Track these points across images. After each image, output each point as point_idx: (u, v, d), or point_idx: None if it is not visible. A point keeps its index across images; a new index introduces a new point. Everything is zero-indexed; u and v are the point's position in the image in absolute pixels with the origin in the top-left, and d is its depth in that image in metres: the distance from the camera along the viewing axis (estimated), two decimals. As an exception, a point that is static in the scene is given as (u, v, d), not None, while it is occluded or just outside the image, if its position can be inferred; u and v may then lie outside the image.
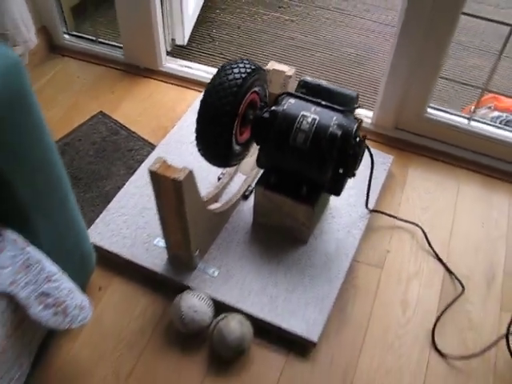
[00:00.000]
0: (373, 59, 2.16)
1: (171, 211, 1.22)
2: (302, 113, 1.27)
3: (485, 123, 1.73)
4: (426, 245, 1.53)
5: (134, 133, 1.76)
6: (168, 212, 1.23)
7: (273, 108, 1.30)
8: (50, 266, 1.08)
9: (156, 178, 1.15)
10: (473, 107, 1.76)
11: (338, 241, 1.47)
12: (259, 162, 1.38)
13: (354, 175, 1.33)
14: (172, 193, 1.16)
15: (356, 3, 2.50)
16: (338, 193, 1.35)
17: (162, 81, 1.98)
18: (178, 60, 2.04)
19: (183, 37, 2.08)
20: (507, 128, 1.72)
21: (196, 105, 1.29)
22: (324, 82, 1.37)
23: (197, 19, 2.23)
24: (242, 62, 1.28)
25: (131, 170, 1.63)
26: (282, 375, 1.28)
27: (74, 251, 1.22)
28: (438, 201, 1.65)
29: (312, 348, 1.31)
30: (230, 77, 1.25)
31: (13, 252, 1.02)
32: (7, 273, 1.00)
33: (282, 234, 1.46)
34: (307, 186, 1.34)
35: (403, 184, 1.68)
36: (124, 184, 1.58)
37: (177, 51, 2.10)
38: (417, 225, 1.56)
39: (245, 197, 1.54)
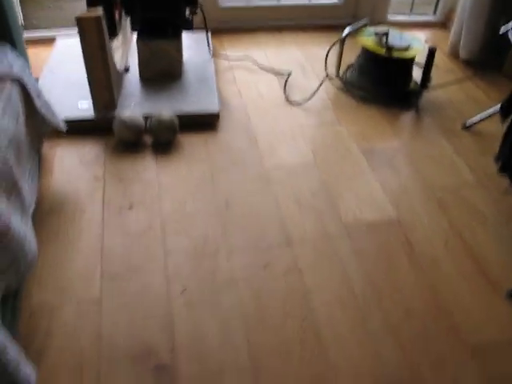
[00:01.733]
0: None
1: (95, 49, 1.72)
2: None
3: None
4: (256, 65, 2.25)
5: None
6: (93, 51, 1.73)
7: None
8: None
9: (81, 21, 1.67)
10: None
11: (201, 76, 2.09)
12: (133, 25, 1.96)
13: (196, 13, 1.99)
14: (94, 29, 1.68)
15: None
16: (191, 27, 1.99)
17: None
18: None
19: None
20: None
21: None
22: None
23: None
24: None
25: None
26: (208, 144, 1.84)
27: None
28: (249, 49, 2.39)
29: (217, 121, 1.90)
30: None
31: (15, 56, 1.45)
32: (17, 67, 1.43)
33: (163, 78, 2.03)
34: (171, 28, 1.96)
35: (220, 47, 2.39)
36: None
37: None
38: (245, 55, 2.28)
39: (126, 70, 2.08)
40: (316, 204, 1.62)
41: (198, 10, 2.00)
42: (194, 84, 2.02)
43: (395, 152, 1.84)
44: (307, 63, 2.31)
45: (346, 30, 2.08)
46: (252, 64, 2.26)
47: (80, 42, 1.71)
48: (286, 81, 2.15)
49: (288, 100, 2.06)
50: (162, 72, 2.03)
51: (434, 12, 2.66)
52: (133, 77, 2.05)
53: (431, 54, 1.97)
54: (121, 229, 1.52)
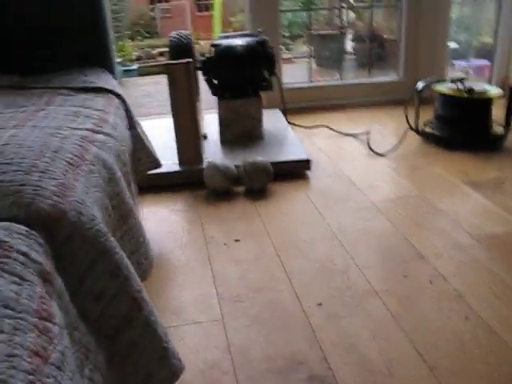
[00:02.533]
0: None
1: (184, 97, 1.71)
2: (233, 39, 1.97)
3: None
4: (332, 131, 2.23)
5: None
6: (181, 98, 1.71)
7: (214, 44, 1.96)
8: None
9: (171, 67, 1.68)
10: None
11: (281, 137, 2.06)
12: (214, 91, 1.97)
13: (274, 74, 2.02)
14: (183, 74, 1.69)
15: None
16: (271, 87, 2.00)
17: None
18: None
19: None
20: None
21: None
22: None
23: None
24: (184, 32, 1.95)
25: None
26: (303, 189, 1.75)
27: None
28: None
29: (308, 168, 1.82)
30: (184, 37, 1.90)
31: (116, 82, 1.43)
32: (120, 89, 1.40)
33: (245, 138, 1.99)
34: (251, 87, 1.97)
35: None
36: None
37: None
38: (322, 125, 2.27)
39: (205, 137, 2.06)
40: (436, 223, 1.49)
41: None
42: (276, 142, 1.99)
43: (501, 181, 1.74)
44: (380, 127, 2.29)
45: (420, 84, 2.08)
46: (328, 130, 2.24)
47: (169, 89, 1.71)
48: (368, 136, 2.11)
49: (373, 151, 2.00)
50: (244, 133, 2.00)
51: (489, 81, 2.70)
52: (213, 142, 2.02)
53: (512, 91, 1.96)
54: (230, 258, 1.38)
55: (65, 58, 1.40)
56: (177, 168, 1.79)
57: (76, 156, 0.83)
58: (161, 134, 1.98)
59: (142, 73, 4.29)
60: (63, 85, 1.26)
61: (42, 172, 0.74)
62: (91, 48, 1.43)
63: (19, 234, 0.63)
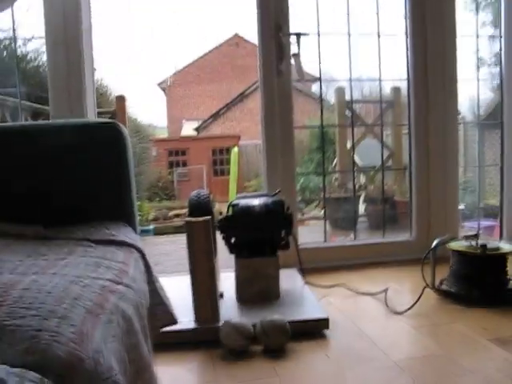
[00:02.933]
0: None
1: (202, 253, 1.72)
2: (251, 199, 2.04)
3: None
4: (350, 291, 2.20)
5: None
6: (199, 255, 1.72)
7: (233, 203, 2.02)
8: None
9: (190, 225, 1.73)
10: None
11: (298, 296, 2.04)
12: (232, 249, 1.99)
13: (291, 234, 2.05)
14: (202, 231, 1.73)
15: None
16: (287, 247, 2.02)
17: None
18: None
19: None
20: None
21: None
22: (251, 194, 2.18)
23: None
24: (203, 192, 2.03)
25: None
26: (322, 348, 1.68)
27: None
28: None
29: (326, 327, 1.77)
30: (203, 197, 1.97)
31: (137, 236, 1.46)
32: (140, 244, 1.43)
33: (262, 298, 1.96)
34: (268, 246, 1.99)
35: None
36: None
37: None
38: (339, 284, 2.24)
39: (221, 296, 2.03)
40: (463, 382, 1.41)
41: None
42: (294, 301, 1.96)
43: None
44: (397, 285, 2.27)
45: (435, 241, 2.10)
46: (345, 289, 2.22)
47: (187, 246, 1.73)
48: (385, 294, 2.07)
49: (391, 310, 1.96)
50: (260, 291, 1.97)
51: (500, 236, 2.73)
52: (230, 300, 1.99)
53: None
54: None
55: (88, 211, 1.44)
56: (193, 326, 1.75)
57: (95, 304, 0.82)
58: (177, 291, 1.95)
59: (159, 232, 4.40)
60: (85, 236, 1.28)
61: (60, 318, 0.72)
62: (114, 202, 1.47)
63: (32, 381, 0.60)
